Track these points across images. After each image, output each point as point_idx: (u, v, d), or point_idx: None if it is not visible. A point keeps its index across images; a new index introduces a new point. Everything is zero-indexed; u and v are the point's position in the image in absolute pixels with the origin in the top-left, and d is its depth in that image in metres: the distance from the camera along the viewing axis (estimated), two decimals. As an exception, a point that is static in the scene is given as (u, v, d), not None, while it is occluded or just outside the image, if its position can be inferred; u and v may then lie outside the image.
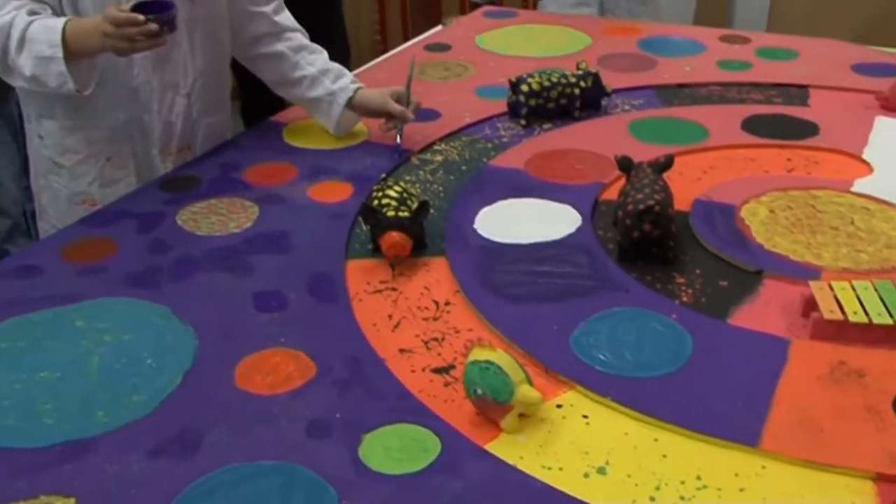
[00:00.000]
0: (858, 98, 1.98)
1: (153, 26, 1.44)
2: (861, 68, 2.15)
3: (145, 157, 1.73)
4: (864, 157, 1.71)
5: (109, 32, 1.43)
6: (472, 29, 2.50)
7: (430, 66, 2.20)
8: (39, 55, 1.47)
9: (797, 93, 2.03)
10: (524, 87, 1.85)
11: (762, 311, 1.25)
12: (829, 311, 1.18)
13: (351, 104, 1.77)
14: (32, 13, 1.50)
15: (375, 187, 1.51)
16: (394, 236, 1.33)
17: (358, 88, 1.77)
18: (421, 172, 1.68)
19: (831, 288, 1.22)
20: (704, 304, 1.27)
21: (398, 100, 1.74)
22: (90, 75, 1.55)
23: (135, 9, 1.43)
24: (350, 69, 1.87)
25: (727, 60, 2.22)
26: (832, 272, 1.32)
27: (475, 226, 1.47)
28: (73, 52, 1.48)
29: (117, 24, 1.42)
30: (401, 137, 1.74)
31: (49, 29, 1.47)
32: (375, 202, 1.41)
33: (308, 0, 1.97)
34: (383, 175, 1.65)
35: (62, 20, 1.49)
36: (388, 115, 1.75)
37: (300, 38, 1.83)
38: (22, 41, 1.48)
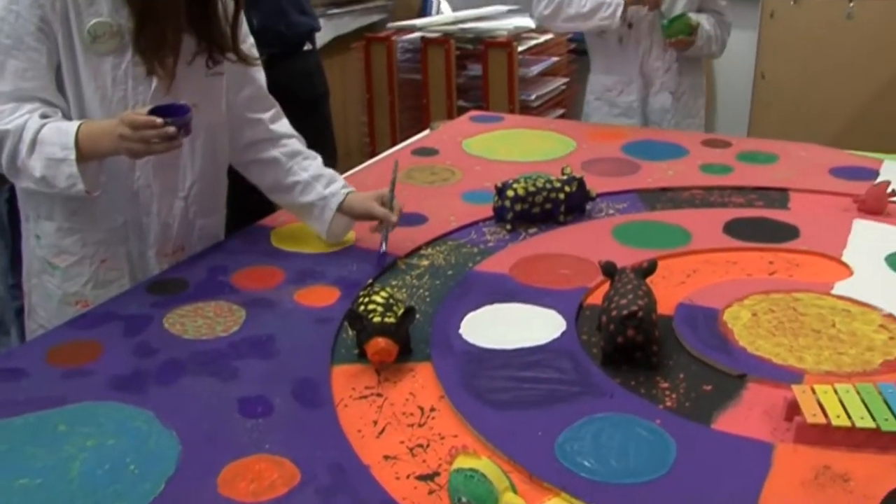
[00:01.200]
0: (837, 201, 2.02)
1: (171, 129, 1.46)
2: (839, 171, 2.20)
3: (140, 258, 1.75)
4: (844, 259, 1.73)
5: (126, 135, 1.46)
6: (459, 133, 2.55)
7: (418, 171, 2.24)
8: (51, 157, 1.50)
9: (777, 196, 2.07)
10: (509, 193, 1.88)
11: (746, 415, 1.25)
12: (811, 414, 1.18)
13: (341, 208, 1.79)
14: (44, 116, 1.54)
15: (361, 292, 1.52)
16: (379, 342, 1.34)
17: (349, 192, 1.80)
18: (407, 277, 1.70)
19: (814, 391, 1.23)
20: (688, 409, 1.27)
21: (383, 203, 1.76)
22: (98, 177, 1.57)
23: (151, 112, 1.46)
24: (338, 172, 1.89)
25: (709, 164, 2.27)
26: (815, 375, 1.33)
27: (460, 331, 1.48)
28: (84, 154, 1.51)
29: (135, 127, 1.45)
30: (386, 242, 1.75)
31: (62, 131, 1.50)
32: (361, 308, 1.42)
33: (292, 103, 2.00)
34: (369, 280, 1.66)
35: (75, 123, 1.52)
36: (374, 219, 1.77)
37: (295, 143, 1.86)
38: (34, 143, 1.51)
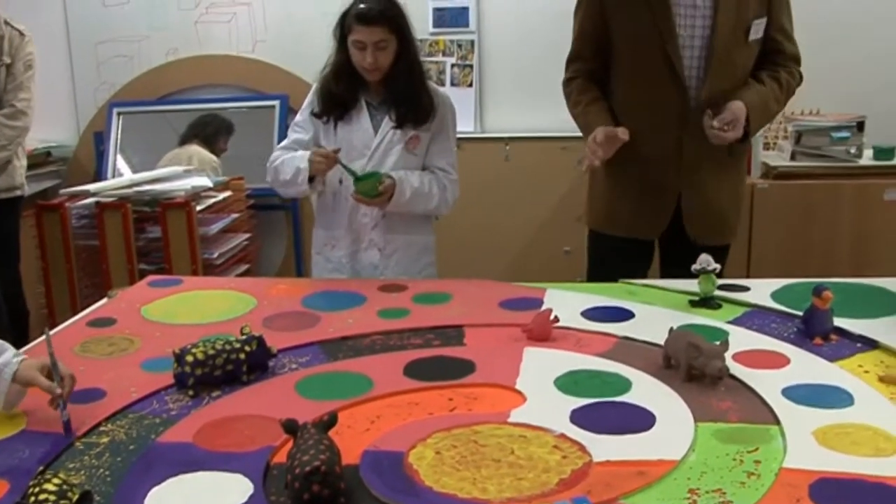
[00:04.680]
0: (508, 332, 2.14)
1: None
2: (508, 304, 2.35)
3: None
4: (518, 387, 1.84)
5: None
6: (138, 300, 2.49)
7: (94, 343, 2.15)
8: None
9: (453, 333, 2.17)
10: (189, 358, 1.84)
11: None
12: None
13: (15, 378, 1.70)
14: None
15: (32, 482, 1.42)
16: (51, 535, 1.25)
17: (22, 360, 1.72)
18: (86, 458, 1.60)
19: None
20: (379, 558, 1.28)
21: (49, 374, 1.69)
22: None
23: None
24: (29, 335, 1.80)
25: (387, 309, 2.34)
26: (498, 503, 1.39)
27: (144, 509, 1.41)
28: None
29: None
30: (64, 408, 1.67)
31: None
32: (32, 499, 1.33)
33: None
34: (41, 467, 1.55)
35: None
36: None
37: None
38: None
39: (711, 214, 2.80)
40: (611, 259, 2.91)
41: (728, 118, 2.58)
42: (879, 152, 4.07)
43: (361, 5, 2.68)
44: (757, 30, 2.69)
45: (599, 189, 2.92)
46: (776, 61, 2.77)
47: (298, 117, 2.90)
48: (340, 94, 2.78)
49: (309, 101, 2.87)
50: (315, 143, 2.83)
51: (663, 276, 2.88)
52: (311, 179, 2.70)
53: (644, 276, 2.77)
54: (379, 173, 2.68)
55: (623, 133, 2.60)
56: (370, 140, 2.78)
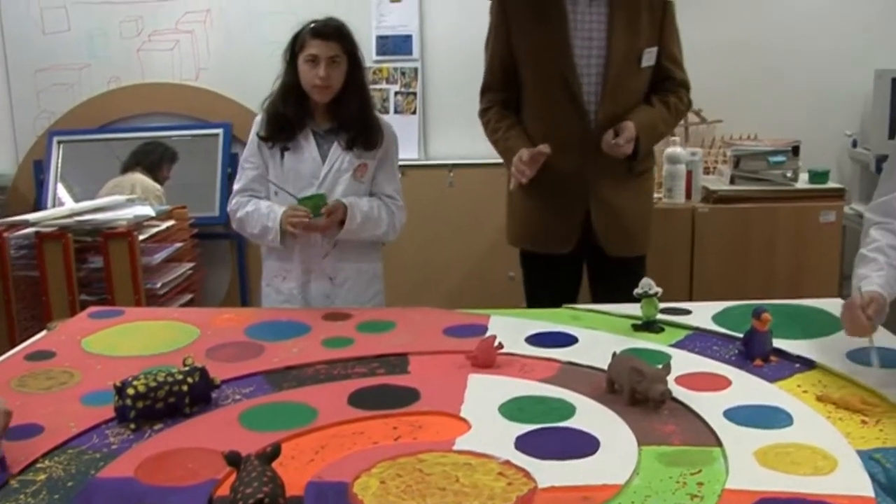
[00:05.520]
0: (452, 359, 2.15)
1: None
2: (452, 331, 2.36)
3: None
4: (462, 415, 1.84)
5: None
6: (78, 332, 2.45)
7: (32, 378, 2.11)
8: None
9: (397, 361, 2.17)
10: (130, 391, 1.81)
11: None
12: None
13: None
14: None
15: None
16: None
17: None
18: (21, 496, 1.56)
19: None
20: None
21: None
22: None
23: None
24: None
25: (331, 338, 2.33)
26: (442, 534, 1.39)
27: (82, 547, 1.39)
28: None
29: None
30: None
31: None
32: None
33: None
34: (-26, 510, 1.53)
35: None
36: None
37: None
38: None
39: (620, 228, 2.99)
40: (542, 275, 3.10)
41: (625, 138, 2.82)
42: (814, 176, 4.18)
43: (315, 24, 2.74)
44: (649, 58, 2.94)
45: (516, 209, 3.12)
46: (666, 87, 3.01)
47: (246, 151, 2.88)
48: (288, 115, 2.78)
49: (252, 135, 2.86)
50: (264, 173, 2.83)
51: (591, 288, 3.13)
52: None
53: (577, 290, 3.09)
54: (323, 194, 2.70)
55: (546, 147, 2.80)
56: (318, 169, 2.78)
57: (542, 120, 2.96)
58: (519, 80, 3.00)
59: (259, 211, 2.76)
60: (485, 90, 3.09)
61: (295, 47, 2.76)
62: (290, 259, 2.84)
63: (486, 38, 3.06)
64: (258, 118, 2.86)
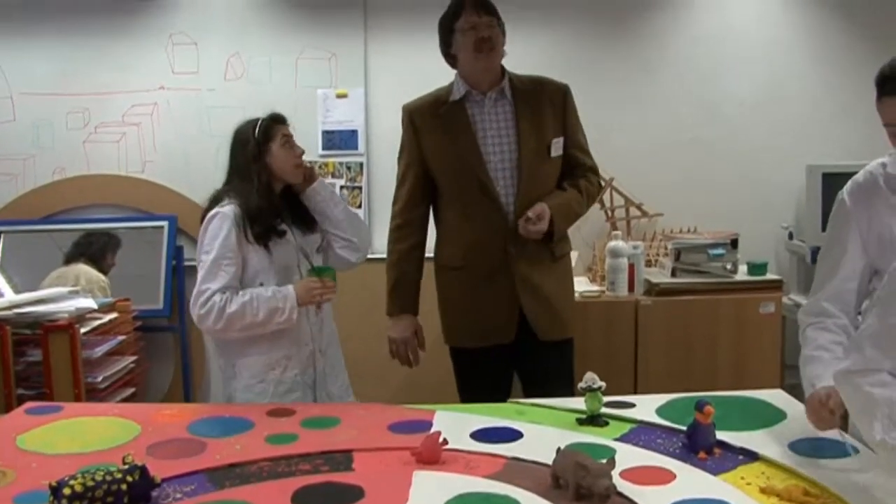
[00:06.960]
0: (398, 455, 2.13)
1: None
2: (397, 427, 2.34)
3: None
4: (408, 512, 1.83)
5: None
6: (13, 428, 2.39)
7: (-35, 474, 2.05)
8: None
9: (342, 458, 2.14)
10: (66, 490, 1.77)
11: None
12: None
13: None
14: None
15: None
16: None
17: None
18: None
19: None
20: None
21: None
22: None
23: None
24: None
25: (275, 434, 2.30)
26: None
27: None
28: None
29: None
30: None
31: None
32: None
33: None
34: None
35: None
36: None
37: None
38: None
39: (550, 313, 3.14)
40: (476, 368, 3.19)
41: (535, 213, 2.97)
42: (753, 268, 4.27)
43: (274, 113, 2.90)
44: (557, 147, 3.13)
45: (450, 309, 3.23)
46: (576, 174, 3.20)
47: (218, 251, 2.74)
48: (275, 205, 2.85)
49: (226, 232, 2.75)
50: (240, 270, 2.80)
51: (521, 374, 3.23)
52: None
53: (511, 378, 3.22)
54: (331, 268, 2.91)
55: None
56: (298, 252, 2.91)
57: (462, 219, 3.12)
58: (435, 185, 3.17)
59: (261, 297, 2.74)
60: (396, 204, 3.25)
61: (266, 137, 2.84)
62: (290, 346, 2.84)
63: (398, 150, 3.23)
64: (227, 216, 2.77)
